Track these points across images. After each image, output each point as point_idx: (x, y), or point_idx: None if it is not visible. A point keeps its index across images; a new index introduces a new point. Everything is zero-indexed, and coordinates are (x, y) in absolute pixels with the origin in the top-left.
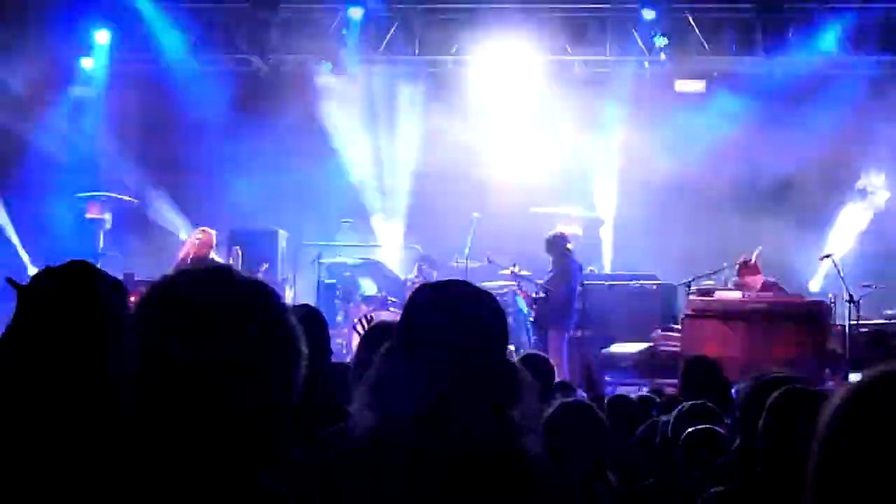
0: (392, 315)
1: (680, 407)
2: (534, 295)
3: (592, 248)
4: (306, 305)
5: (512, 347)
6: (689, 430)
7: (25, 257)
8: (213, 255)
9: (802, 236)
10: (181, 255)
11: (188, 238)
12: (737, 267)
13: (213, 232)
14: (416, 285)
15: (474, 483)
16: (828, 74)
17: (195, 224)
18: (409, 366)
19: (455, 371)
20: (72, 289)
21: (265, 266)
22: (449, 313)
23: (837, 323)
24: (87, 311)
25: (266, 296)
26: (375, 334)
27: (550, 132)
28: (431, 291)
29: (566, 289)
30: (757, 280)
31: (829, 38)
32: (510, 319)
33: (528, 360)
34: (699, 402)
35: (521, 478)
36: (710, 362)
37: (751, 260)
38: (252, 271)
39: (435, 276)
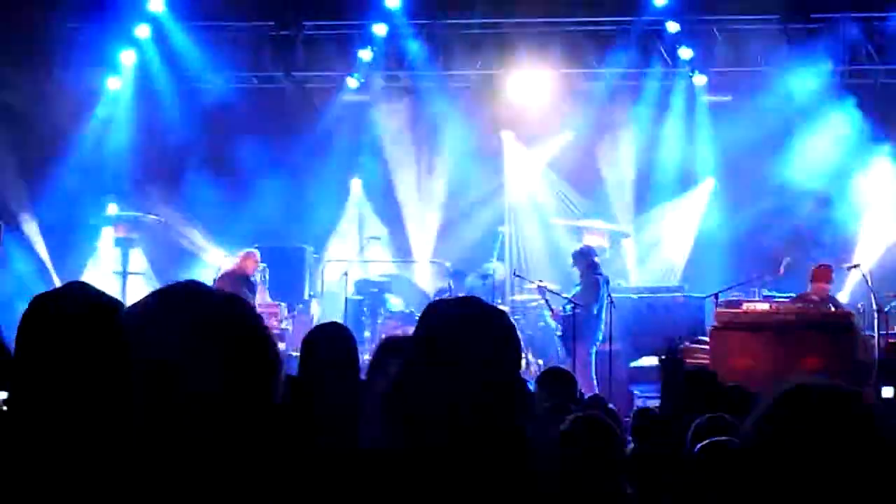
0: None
1: (698, 420)
2: (561, 309)
3: (617, 261)
4: (333, 323)
5: (540, 361)
6: (705, 442)
7: (55, 278)
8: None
9: (829, 247)
10: (228, 271)
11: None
12: (811, 273)
13: (256, 251)
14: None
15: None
16: (850, 83)
17: (220, 242)
18: (420, 383)
19: (467, 387)
20: (68, 313)
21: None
22: (461, 330)
23: (866, 334)
24: (83, 334)
25: (235, 310)
26: (388, 347)
27: (575, 144)
28: (444, 309)
29: (594, 302)
30: (825, 289)
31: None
32: (539, 333)
33: (550, 374)
34: (716, 415)
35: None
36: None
37: (826, 267)
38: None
39: (466, 292)
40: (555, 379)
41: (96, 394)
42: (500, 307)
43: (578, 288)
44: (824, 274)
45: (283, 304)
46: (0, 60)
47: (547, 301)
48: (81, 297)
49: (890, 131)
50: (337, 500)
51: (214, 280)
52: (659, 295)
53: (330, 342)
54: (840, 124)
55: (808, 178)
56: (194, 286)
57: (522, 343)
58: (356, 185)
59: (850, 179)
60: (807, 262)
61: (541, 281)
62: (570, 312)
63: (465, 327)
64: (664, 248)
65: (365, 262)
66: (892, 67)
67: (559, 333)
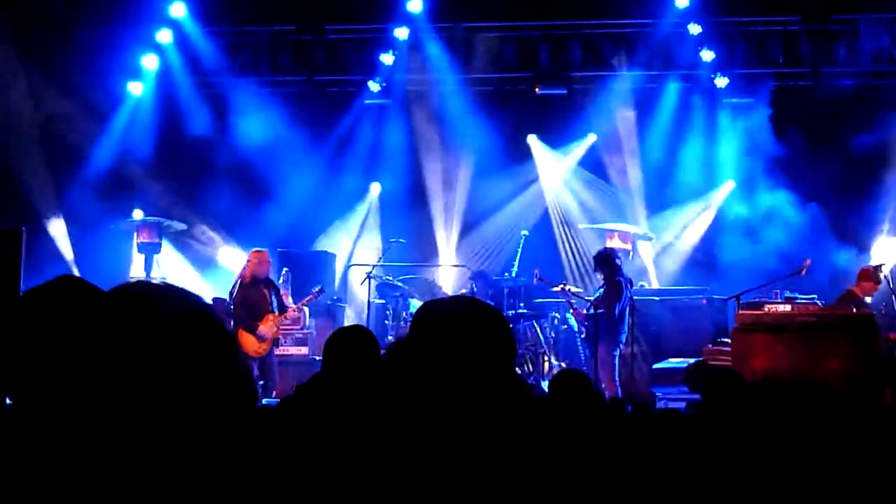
0: None
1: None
2: (585, 312)
3: (639, 264)
4: (357, 326)
5: (563, 364)
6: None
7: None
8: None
9: (850, 248)
10: (242, 273)
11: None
12: (861, 270)
13: (266, 250)
14: None
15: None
16: (873, 84)
17: (243, 246)
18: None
19: (455, 382)
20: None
21: (317, 288)
22: (450, 330)
23: (888, 335)
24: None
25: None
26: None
27: (597, 147)
28: (434, 309)
29: (617, 305)
30: (871, 289)
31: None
32: (562, 336)
33: (564, 375)
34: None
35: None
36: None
37: (872, 269)
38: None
39: (489, 294)
40: (569, 380)
41: (81, 385)
42: (521, 311)
43: (601, 291)
44: (874, 274)
45: (306, 308)
46: (25, 67)
47: (571, 304)
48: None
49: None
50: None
51: (236, 286)
52: (682, 297)
53: (352, 346)
54: (860, 124)
55: (833, 178)
56: (142, 285)
57: (545, 346)
58: (375, 188)
59: (868, 179)
60: (827, 263)
61: (565, 283)
62: (593, 313)
63: (454, 325)
64: (684, 251)
65: (387, 266)
66: None
67: (582, 336)
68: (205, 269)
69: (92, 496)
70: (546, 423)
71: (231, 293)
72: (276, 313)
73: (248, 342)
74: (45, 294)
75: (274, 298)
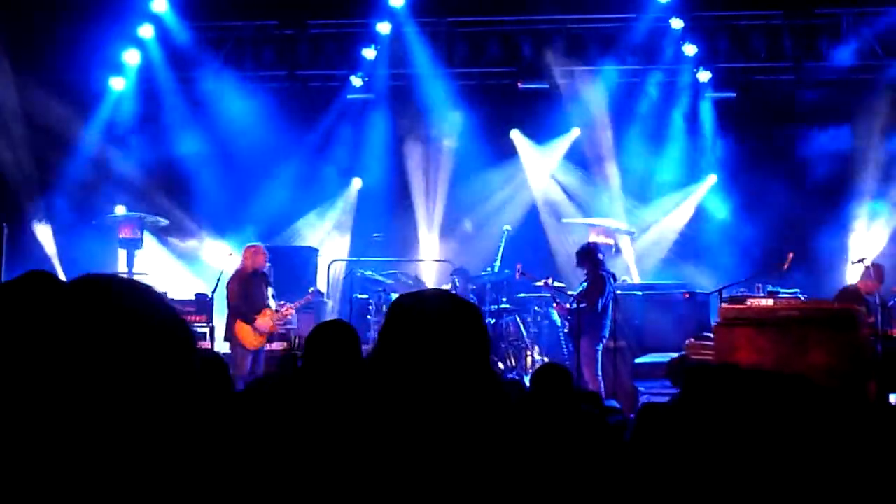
0: None
1: None
2: (568, 307)
3: (621, 258)
4: (337, 320)
5: (546, 358)
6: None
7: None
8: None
9: (835, 241)
10: (240, 266)
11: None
12: (864, 268)
13: (261, 245)
14: None
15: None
16: (856, 79)
17: (227, 241)
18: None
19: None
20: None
21: (312, 289)
22: (422, 323)
23: (870, 329)
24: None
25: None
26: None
27: (581, 141)
28: (408, 302)
29: (601, 300)
30: (873, 288)
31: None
32: (545, 331)
33: (545, 369)
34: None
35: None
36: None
37: (880, 266)
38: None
39: (471, 289)
40: (550, 374)
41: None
42: (504, 306)
43: (584, 285)
44: (879, 273)
45: (286, 304)
46: (3, 62)
47: (554, 298)
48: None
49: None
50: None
51: (228, 280)
52: (665, 292)
53: (332, 340)
54: (844, 119)
55: (813, 172)
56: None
57: (528, 341)
58: (356, 183)
59: (853, 173)
60: (809, 257)
61: (548, 278)
62: (576, 308)
63: (426, 318)
64: (667, 245)
65: (369, 261)
66: None
67: (565, 331)
68: (187, 264)
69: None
70: (524, 417)
71: (215, 289)
72: (273, 308)
73: (246, 334)
74: (12, 290)
75: (269, 293)
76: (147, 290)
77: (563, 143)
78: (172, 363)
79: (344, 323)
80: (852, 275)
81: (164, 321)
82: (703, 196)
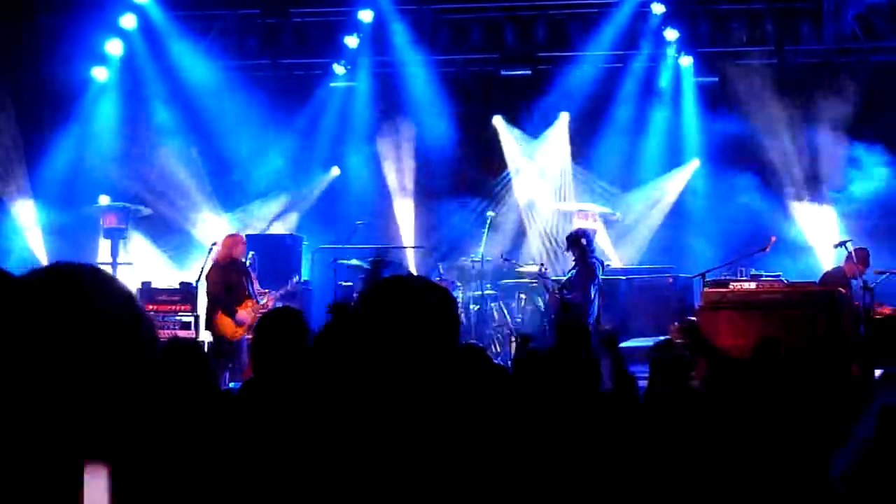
0: None
1: None
2: (558, 294)
3: (603, 244)
4: (286, 307)
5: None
6: None
7: None
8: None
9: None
10: (217, 255)
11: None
12: (847, 252)
13: (240, 234)
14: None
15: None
16: (837, 62)
17: (208, 230)
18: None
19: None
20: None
21: (296, 278)
22: (394, 307)
23: (853, 310)
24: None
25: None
26: None
27: (565, 127)
28: (380, 286)
29: (591, 285)
30: (860, 272)
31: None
32: (528, 317)
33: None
34: None
35: None
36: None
37: (862, 249)
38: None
39: (455, 276)
40: (529, 361)
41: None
42: (491, 291)
43: (573, 271)
44: (862, 256)
45: (272, 292)
46: None
47: (547, 287)
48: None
49: (874, 112)
50: None
51: (208, 270)
52: (648, 276)
53: (280, 329)
54: (825, 104)
55: (791, 157)
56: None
57: (511, 327)
58: (335, 171)
59: (831, 159)
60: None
61: (542, 265)
62: (568, 294)
63: (394, 303)
64: (648, 229)
65: (353, 248)
66: (881, 46)
67: (553, 316)
68: (171, 253)
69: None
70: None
71: (199, 278)
72: (255, 299)
73: (226, 325)
74: None
75: (249, 284)
76: (105, 280)
77: (553, 130)
78: (123, 354)
79: (292, 310)
80: (833, 258)
81: (119, 311)
82: (686, 180)
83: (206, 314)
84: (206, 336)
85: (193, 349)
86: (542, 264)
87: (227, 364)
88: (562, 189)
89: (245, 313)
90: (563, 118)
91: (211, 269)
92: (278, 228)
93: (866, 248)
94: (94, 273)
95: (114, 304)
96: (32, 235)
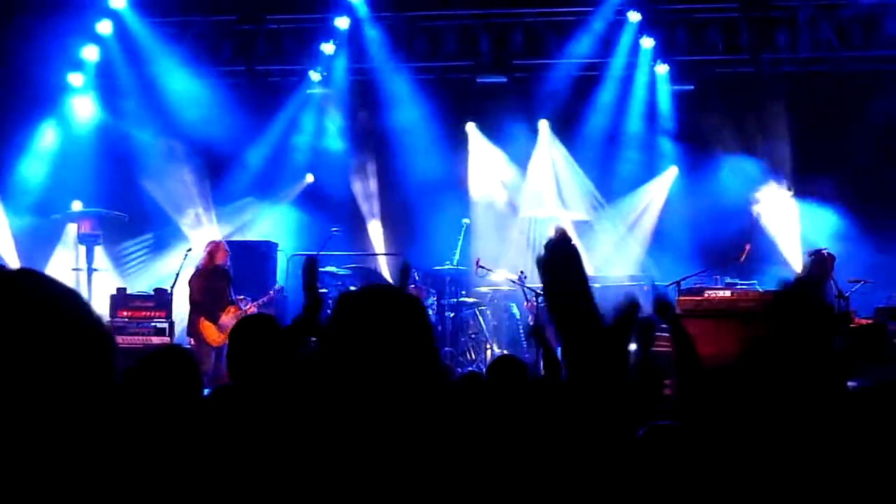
0: None
1: None
2: (535, 303)
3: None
4: (258, 315)
5: (505, 351)
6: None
7: None
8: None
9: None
10: (201, 262)
11: (194, 249)
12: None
13: (222, 241)
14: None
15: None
16: (813, 70)
17: (184, 237)
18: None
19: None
20: None
21: (278, 286)
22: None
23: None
24: None
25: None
26: None
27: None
28: (353, 296)
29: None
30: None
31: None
32: (505, 325)
33: (500, 361)
34: None
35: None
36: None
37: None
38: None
39: (430, 283)
40: (505, 366)
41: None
42: (467, 298)
43: None
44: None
45: (249, 299)
46: None
47: (526, 297)
48: None
49: (839, 119)
50: None
51: (190, 277)
52: (623, 284)
53: (251, 333)
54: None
55: (767, 165)
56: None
57: (487, 334)
58: (308, 178)
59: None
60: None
61: (522, 273)
62: (542, 307)
63: (367, 313)
64: (625, 237)
65: (329, 255)
66: (855, 55)
67: (530, 321)
68: (146, 259)
69: None
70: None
71: (174, 284)
72: (237, 306)
73: (209, 331)
74: None
75: (231, 291)
76: (45, 280)
77: (539, 139)
78: (64, 352)
79: (266, 317)
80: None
81: (60, 310)
82: (663, 188)
83: (189, 320)
84: (182, 342)
85: (188, 357)
86: (521, 271)
87: (205, 371)
88: (542, 196)
89: (228, 320)
90: (543, 125)
91: (193, 275)
92: (253, 235)
93: (833, 254)
94: (29, 274)
95: (53, 302)
96: (2, 241)
